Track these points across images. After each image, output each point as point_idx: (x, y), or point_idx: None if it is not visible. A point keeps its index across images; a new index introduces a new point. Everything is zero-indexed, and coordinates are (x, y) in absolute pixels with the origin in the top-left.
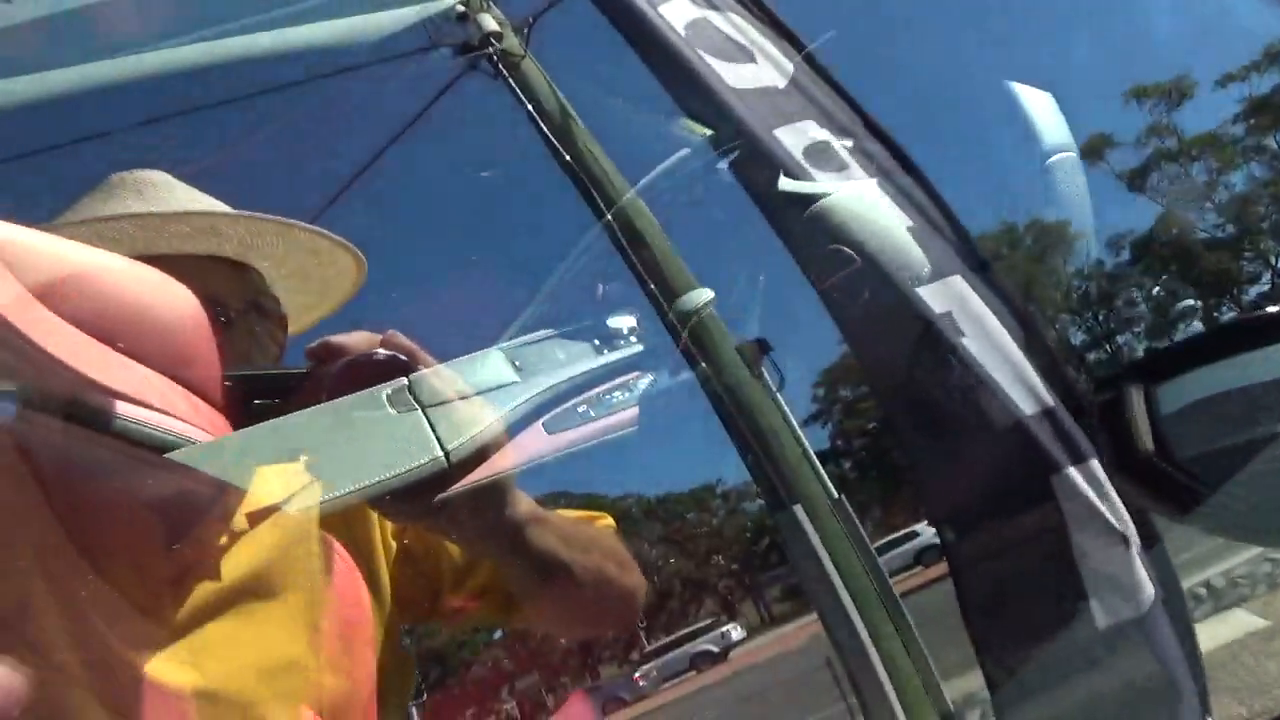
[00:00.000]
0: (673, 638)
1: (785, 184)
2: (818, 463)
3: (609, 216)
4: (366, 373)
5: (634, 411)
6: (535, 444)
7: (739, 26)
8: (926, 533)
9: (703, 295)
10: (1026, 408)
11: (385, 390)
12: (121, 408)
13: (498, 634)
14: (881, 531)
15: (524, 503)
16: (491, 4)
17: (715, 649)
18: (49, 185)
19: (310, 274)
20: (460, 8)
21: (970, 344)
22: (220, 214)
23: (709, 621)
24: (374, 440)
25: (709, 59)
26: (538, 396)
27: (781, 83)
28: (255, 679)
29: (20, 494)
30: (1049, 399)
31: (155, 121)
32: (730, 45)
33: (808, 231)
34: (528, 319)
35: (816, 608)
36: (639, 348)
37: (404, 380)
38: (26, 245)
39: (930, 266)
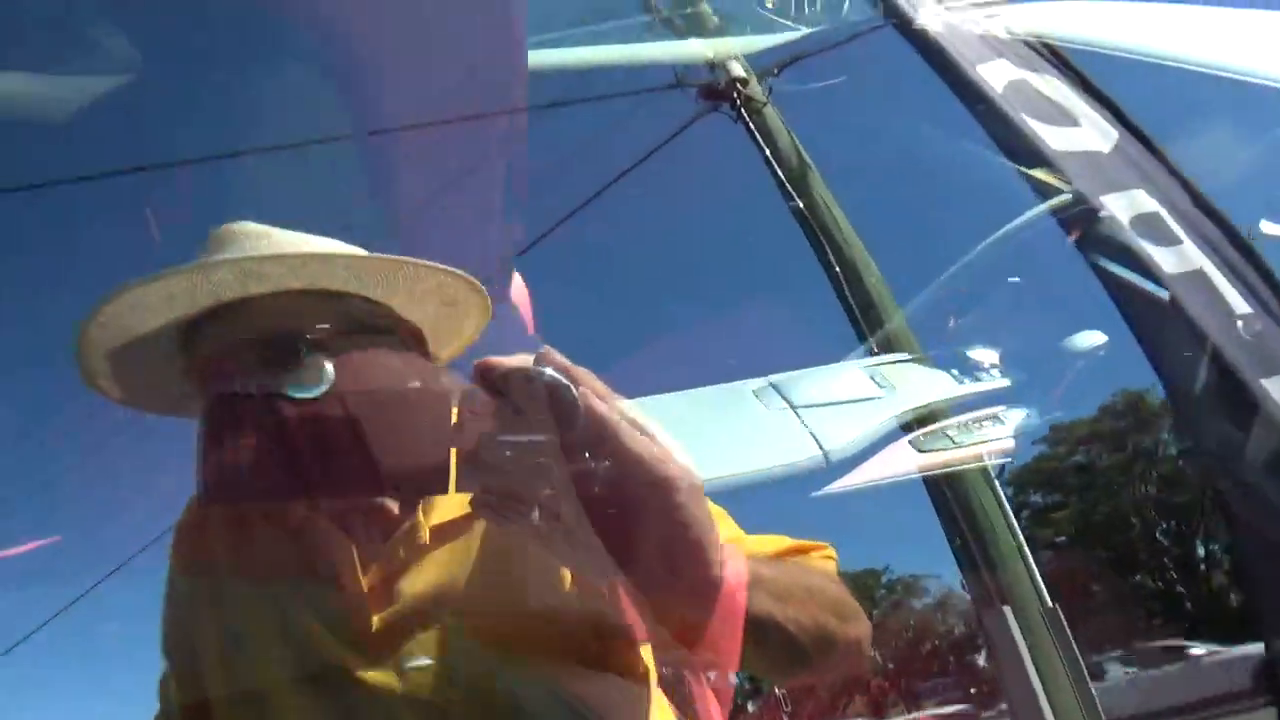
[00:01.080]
0: None
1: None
2: (1034, 565)
3: (836, 267)
4: (521, 387)
5: (1011, 444)
6: (905, 460)
7: (1059, 90)
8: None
9: (1094, 338)
10: None
11: (750, 386)
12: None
13: None
14: None
15: (734, 561)
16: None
17: None
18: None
19: (433, 303)
20: (710, 54)
21: None
22: (311, 253)
23: None
24: (744, 433)
25: (1029, 119)
26: (908, 414)
27: (1106, 148)
28: (450, 687)
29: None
30: None
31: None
32: (1052, 107)
33: (1158, 307)
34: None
35: None
36: (1005, 382)
37: (768, 380)
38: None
39: (1271, 357)
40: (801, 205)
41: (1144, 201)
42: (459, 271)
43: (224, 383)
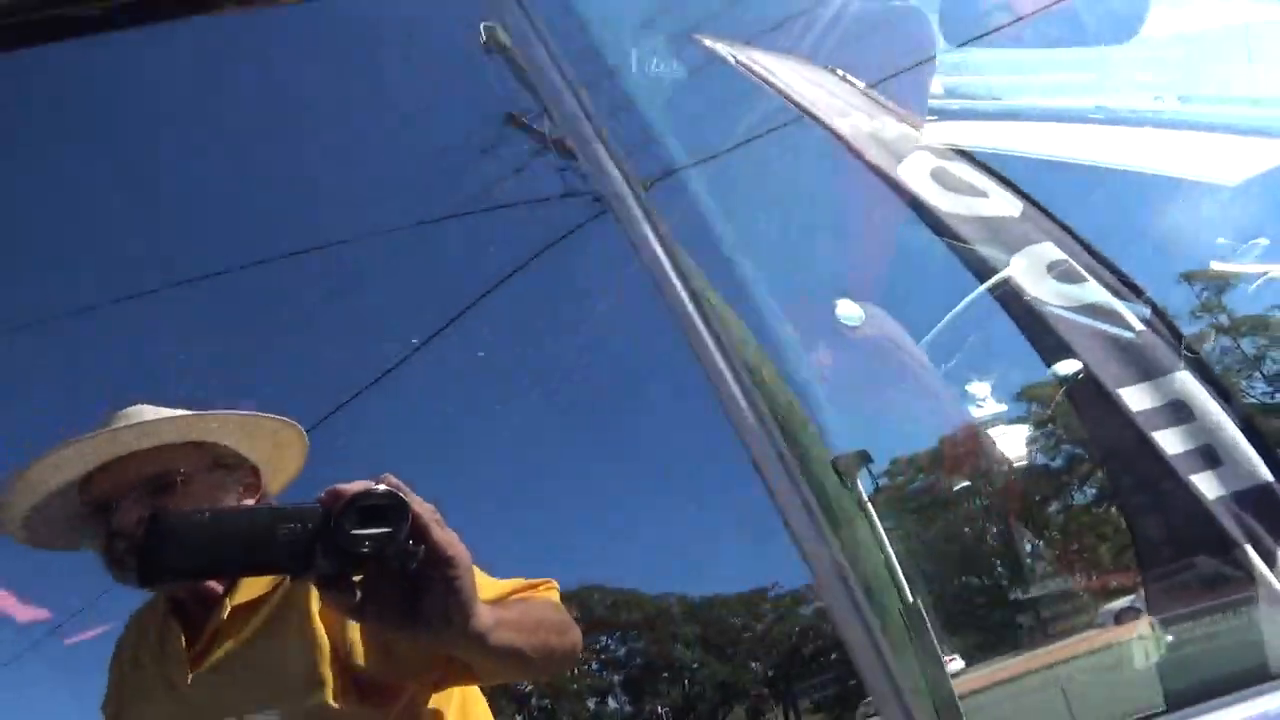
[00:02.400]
0: None
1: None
2: (898, 568)
3: (721, 340)
4: (369, 501)
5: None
6: None
7: (970, 173)
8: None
9: (1074, 365)
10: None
11: None
12: None
13: None
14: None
15: (486, 611)
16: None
17: None
18: None
19: (259, 442)
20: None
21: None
22: (185, 416)
23: None
24: None
25: (952, 194)
26: None
27: (1016, 214)
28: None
29: None
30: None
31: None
32: (967, 186)
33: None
34: None
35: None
36: (1003, 408)
37: None
38: None
39: (1153, 366)
40: (680, 290)
41: (1053, 252)
42: (287, 419)
43: (137, 506)
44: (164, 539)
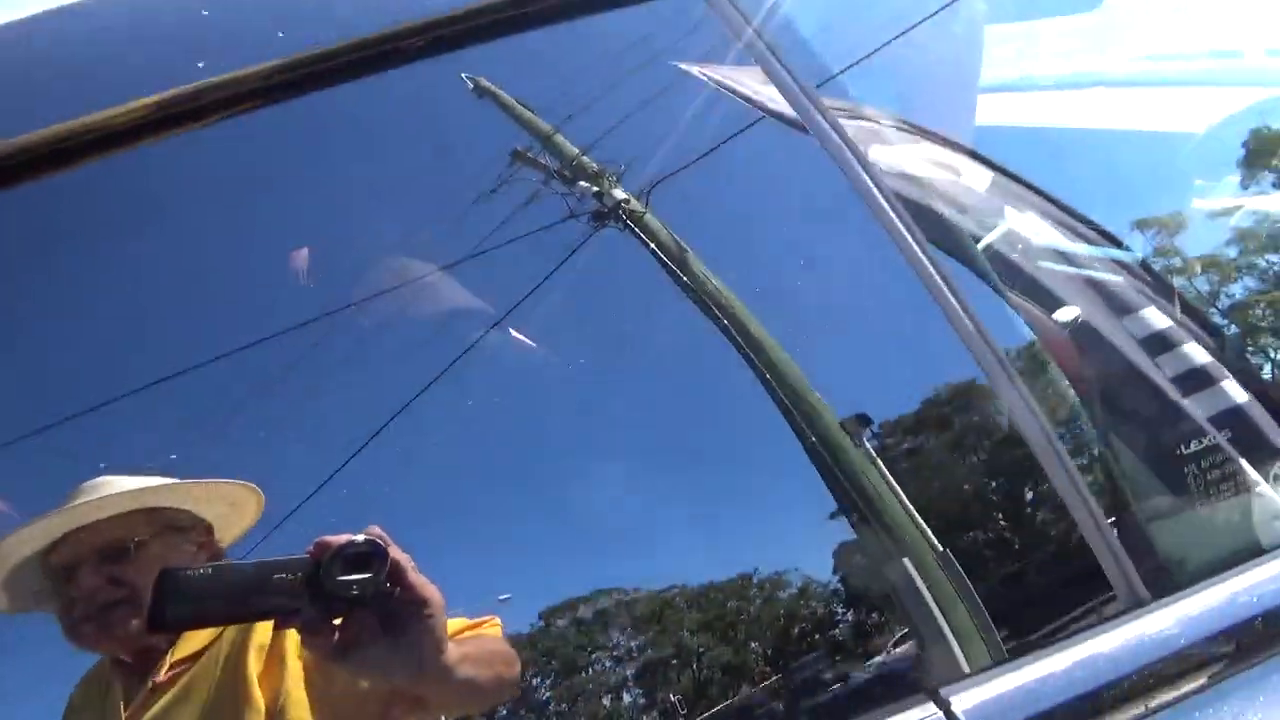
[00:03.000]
0: None
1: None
2: (920, 520)
3: (725, 322)
4: (353, 551)
5: None
6: None
7: (941, 154)
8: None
9: (1073, 312)
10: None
11: None
12: None
13: None
14: None
15: (453, 648)
16: (618, 180)
17: None
18: None
19: (213, 503)
20: (595, 189)
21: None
22: (134, 491)
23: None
24: None
25: (936, 171)
26: None
27: (988, 182)
28: None
29: None
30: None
31: None
32: (939, 164)
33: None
34: None
35: (925, 658)
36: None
37: None
38: None
39: (1137, 302)
40: (686, 280)
41: (1029, 212)
42: (242, 483)
43: (92, 574)
44: (170, 592)
